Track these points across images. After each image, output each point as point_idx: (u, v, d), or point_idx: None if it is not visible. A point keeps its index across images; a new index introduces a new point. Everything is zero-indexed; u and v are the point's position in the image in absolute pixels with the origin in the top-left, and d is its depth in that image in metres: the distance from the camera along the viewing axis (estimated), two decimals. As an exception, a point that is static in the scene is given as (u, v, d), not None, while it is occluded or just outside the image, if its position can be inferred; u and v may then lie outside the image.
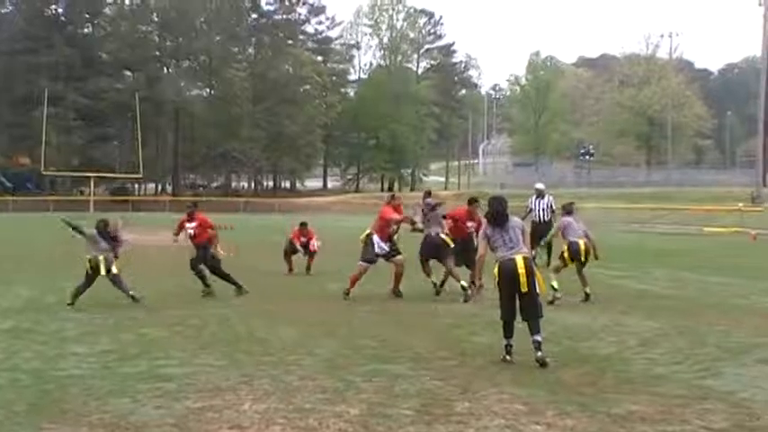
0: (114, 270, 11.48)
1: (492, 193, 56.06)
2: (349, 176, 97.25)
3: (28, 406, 5.99)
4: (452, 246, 12.33)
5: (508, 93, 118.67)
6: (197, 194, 74.19)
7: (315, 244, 16.56)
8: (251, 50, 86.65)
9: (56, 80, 67.30)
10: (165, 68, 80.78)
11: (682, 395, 6.26)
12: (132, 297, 11.43)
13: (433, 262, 12.60)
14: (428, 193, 13.88)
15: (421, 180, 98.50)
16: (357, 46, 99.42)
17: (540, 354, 7.30)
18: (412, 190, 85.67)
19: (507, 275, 7.56)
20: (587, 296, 11.65)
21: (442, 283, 12.72)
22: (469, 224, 12.75)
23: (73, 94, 68.51)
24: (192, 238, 12.87)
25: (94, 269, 11.41)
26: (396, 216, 12.41)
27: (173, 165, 79.90)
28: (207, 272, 12.72)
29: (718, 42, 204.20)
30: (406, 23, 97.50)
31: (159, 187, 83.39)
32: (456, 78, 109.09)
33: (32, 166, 65.89)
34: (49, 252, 21.12)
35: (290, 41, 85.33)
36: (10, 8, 75.01)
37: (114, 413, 5.77)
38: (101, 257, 11.37)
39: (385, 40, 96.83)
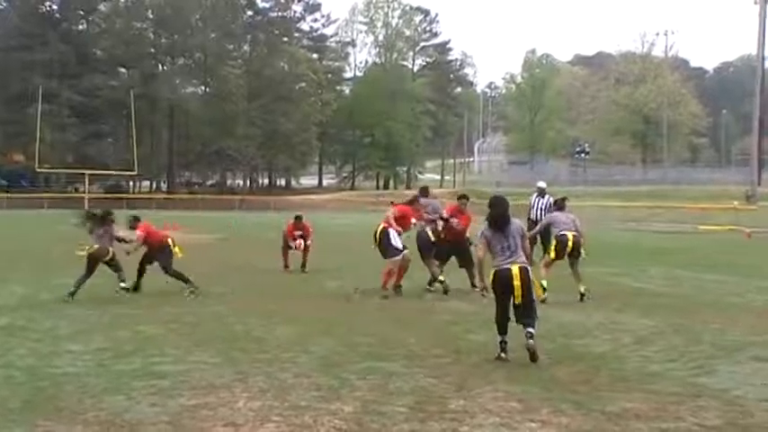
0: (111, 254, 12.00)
1: (488, 191, 55.90)
2: (344, 174, 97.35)
3: (22, 403, 5.99)
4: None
5: (504, 91, 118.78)
6: (192, 192, 74.32)
7: (308, 241, 16.32)
8: (246, 48, 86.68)
9: (50, 77, 67.19)
10: (160, 66, 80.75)
11: (676, 393, 6.28)
12: (123, 286, 11.91)
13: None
14: (424, 191, 13.78)
15: (416, 178, 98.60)
16: (352, 43, 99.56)
17: (530, 342, 7.28)
18: (407, 188, 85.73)
19: (502, 284, 7.53)
20: (582, 295, 11.49)
21: (431, 282, 12.78)
22: (454, 220, 12.79)
23: (67, 91, 68.46)
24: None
25: (94, 256, 11.85)
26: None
27: (167, 162, 79.88)
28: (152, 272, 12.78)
29: (714, 41, 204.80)
30: (401, 21, 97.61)
31: (154, 185, 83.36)
32: (451, 76, 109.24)
33: (26, 164, 65.73)
34: (43, 249, 21.08)
35: (285, 39, 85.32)
36: (4, 5, 74.97)
37: (109, 411, 5.77)
38: (98, 246, 11.91)
39: (380, 37, 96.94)
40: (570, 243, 11.74)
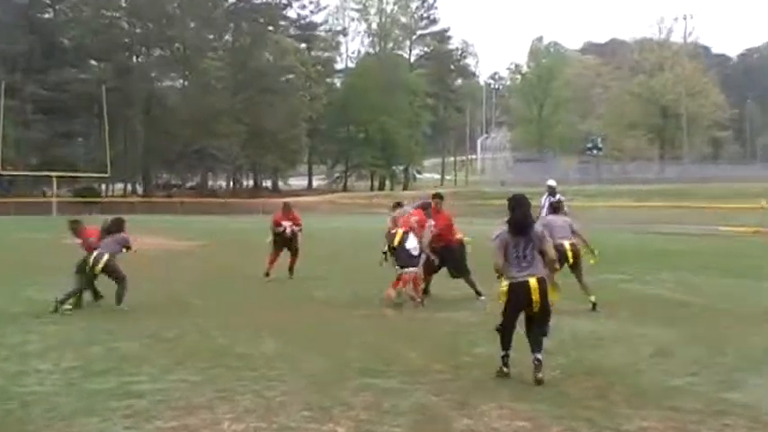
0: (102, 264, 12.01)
1: (492, 191, 55.48)
2: (336, 174, 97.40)
3: (-13, 427, 5.99)
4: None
5: (508, 82, 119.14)
6: (170, 195, 74.17)
7: (295, 228, 16.31)
8: (228, 38, 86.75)
9: (13, 71, 66.90)
10: (135, 58, 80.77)
11: (698, 410, 6.30)
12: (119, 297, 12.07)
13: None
14: (398, 204, 14.22)
15: (414, 178, 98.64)
16: (344, 32, 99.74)
17: (539, 375, 7.18)
18: (404, 189, 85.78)
19: (519, 299, 7.36)
20: (594, 305, 11.54)
21: (424, 290, 12.84)
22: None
23: (32, 85, 68.24)
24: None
25: (89, 266, 11.98)
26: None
27: (143, 163, 79.77)
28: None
29: (737, 25, 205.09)
30: (396, 7, 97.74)
31: (129, 187, 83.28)
32: (452, 67, 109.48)
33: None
34: (12, 259, 21.02)
35: (270, 28, 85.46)
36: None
37: (81, 434, 5.77)
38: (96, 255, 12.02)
39: (374, 25, 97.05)
40: (569, 254, 11.62)
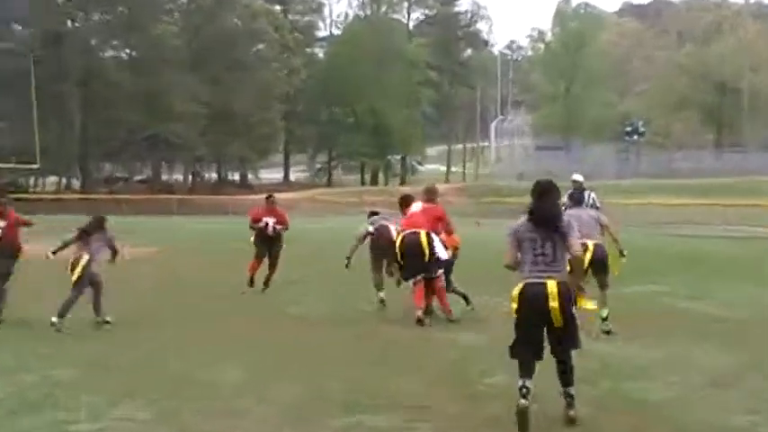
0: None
1: (507, 186, 55.54)
2: (318, 166, 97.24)
3: None
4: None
5: (529, 52, 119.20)
6: (113, 192, 74.02)
7: (278, 228, 16.53)
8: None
9: None
10: (70, 22, 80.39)
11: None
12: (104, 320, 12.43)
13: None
14: (374, 213, 14.99)
15: (414, 170, 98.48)
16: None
17: (571, 413, 7.12)
18: (402, 183, 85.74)
19: (532, 306, 7.14)
20: (605, 322, 11.36)
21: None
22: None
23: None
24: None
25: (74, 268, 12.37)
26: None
27: (81, 151, 79.43)
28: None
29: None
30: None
31: (64, 181, 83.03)
32: (460, 34, 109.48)
33: None
34: None
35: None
36: None
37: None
38: (86, 256, 12.54)
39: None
40: (589, 256, 11.24)
